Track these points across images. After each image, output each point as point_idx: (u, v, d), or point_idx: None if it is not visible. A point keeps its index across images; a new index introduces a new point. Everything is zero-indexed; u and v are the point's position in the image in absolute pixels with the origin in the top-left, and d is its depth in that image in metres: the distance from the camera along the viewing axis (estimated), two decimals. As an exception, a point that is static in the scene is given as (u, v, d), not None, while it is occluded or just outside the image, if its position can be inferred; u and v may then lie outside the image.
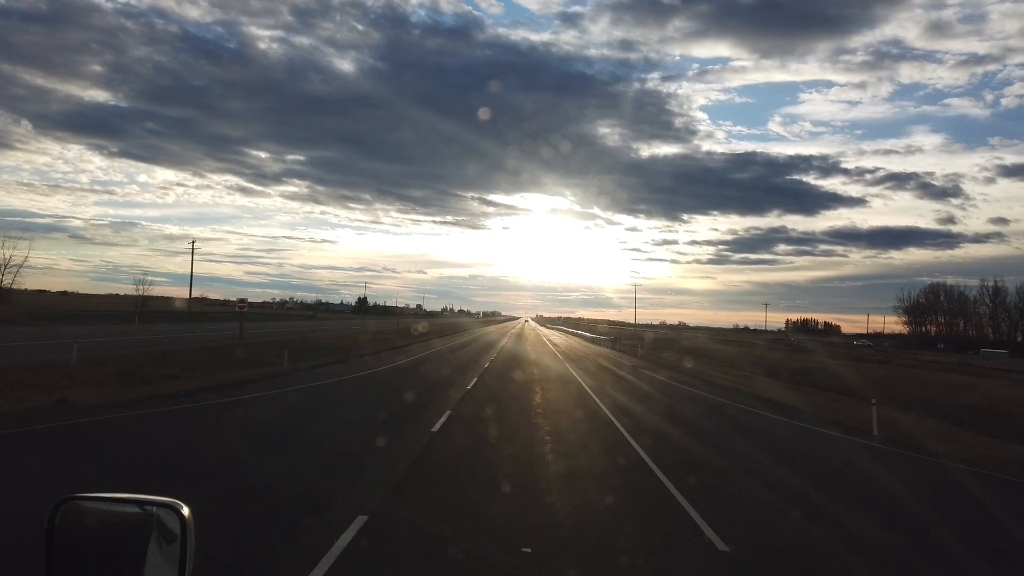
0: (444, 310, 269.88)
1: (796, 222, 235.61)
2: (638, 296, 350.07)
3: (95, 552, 1.86)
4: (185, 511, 1.84)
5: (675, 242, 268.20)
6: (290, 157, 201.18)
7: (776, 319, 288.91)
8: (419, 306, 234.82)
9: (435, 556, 6.43)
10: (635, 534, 7.53)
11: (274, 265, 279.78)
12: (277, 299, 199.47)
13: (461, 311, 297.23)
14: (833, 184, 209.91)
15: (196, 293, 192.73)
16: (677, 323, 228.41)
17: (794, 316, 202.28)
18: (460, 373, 26.82)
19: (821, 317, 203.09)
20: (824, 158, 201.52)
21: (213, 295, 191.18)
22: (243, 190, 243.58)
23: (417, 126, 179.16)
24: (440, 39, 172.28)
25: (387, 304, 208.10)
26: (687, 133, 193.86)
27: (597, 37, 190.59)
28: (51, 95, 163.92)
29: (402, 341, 49.46)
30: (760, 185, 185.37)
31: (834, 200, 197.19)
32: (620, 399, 21.25)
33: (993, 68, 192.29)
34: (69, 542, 1.84)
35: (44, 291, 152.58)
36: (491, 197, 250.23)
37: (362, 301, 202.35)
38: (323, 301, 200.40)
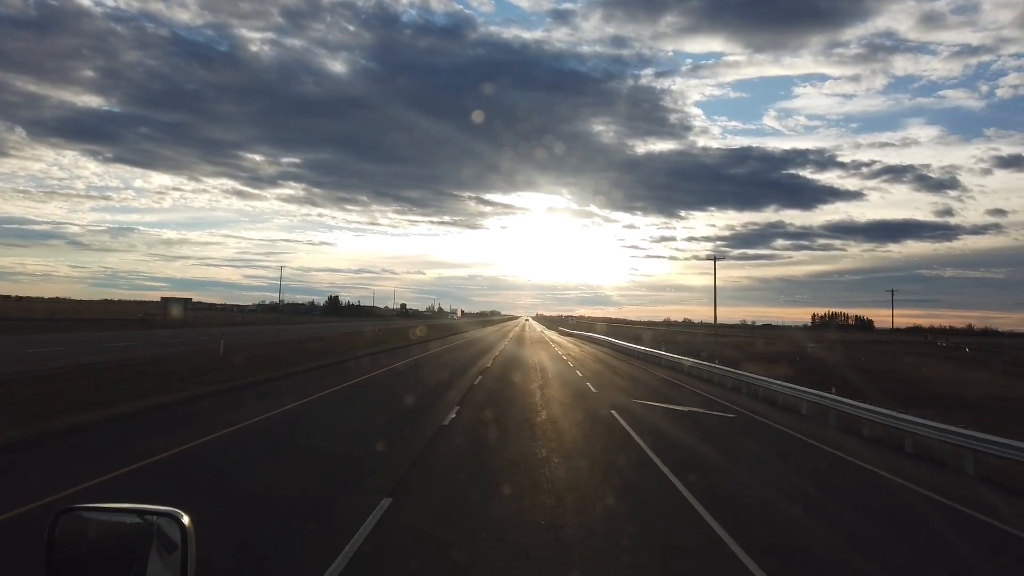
0: (428, 310, 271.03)
1: (793, 217, 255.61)
2: (636, 294, 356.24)
3: (96, 563, 2.02)
4: (185, 520, 2.00)
5: (673, 239, 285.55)
6: (285, 160, 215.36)
7: (774, 315, 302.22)
8: (403, 306, 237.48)
9: None
10: None
11: (273, 268, 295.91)
12: (266, 301, 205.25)
13: (457, 311, 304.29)
14: (830, 178, 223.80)
15: (192, 297, 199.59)
16: (682, 320, 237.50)
17: (820, 311, 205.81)
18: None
19: (852, 311, 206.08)
20: (820, 152, 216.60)
21: (211, 299, 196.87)
22: (239, 193, 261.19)
23: (411, 127, 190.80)
24: (432, 39, 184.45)
25: (362, 304, 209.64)
26: (682, 129, 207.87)
27: (589, 34, 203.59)
28: (44, 101, 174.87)
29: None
30: (756, 180, 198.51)
31: (831, 194, 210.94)
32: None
33: (987, 59, 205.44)
34: (69, 554, 1.99)
35: (40, 298, 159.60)
36: (488, 197, 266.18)
37: (333, 300, 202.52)
38: (307, 303, 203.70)
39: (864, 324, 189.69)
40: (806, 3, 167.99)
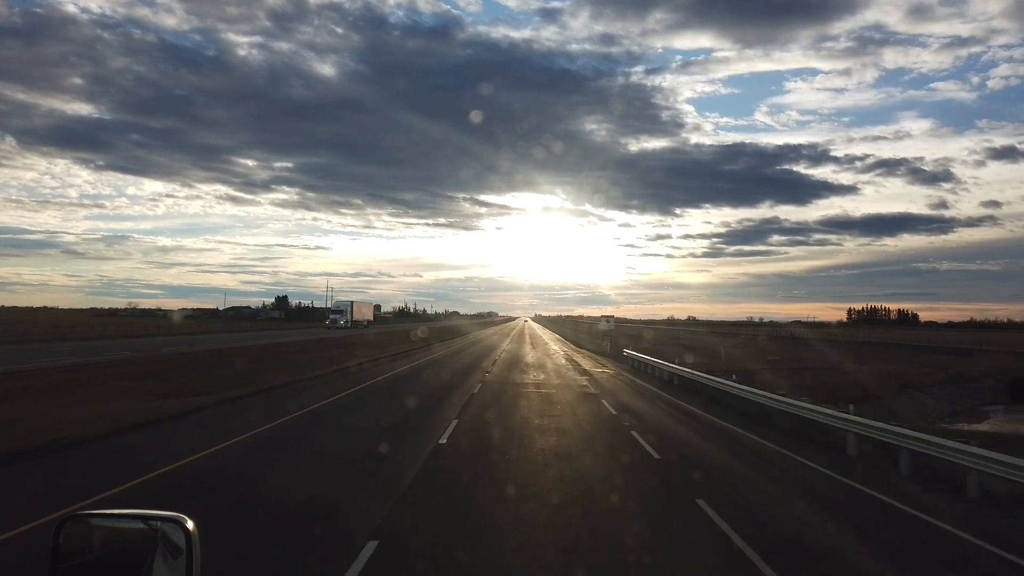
0: (405, 309, 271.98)
1: (789, 212, 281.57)
2: (633, 292, 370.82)
3: (101, 570, 2.23)
4: (190, 525, 2.21)
5: (669, 236, 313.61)
6: (278, 164, 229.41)
7: (772, 311, 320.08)
8: (378, 307, 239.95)
9: None
10: None
11: (269, 273, 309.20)
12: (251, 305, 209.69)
13: (454, 312, 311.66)
14: (824, 173, 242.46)
15: (190, 304, 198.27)
16: (686, 318, 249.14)
17: (857, 305, 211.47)
18: None
19: (893, 305, 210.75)
20: (813, 147, 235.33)
21: (208, 305, 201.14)
22: (233, 199, 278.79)
23: (403, 129, 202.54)
24: (420, 39, 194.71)
25: (315, 306, 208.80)
26: (674, 126, 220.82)
27: (578, 32, 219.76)
28: (33, 110, 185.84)
29: None
30: (751, 176, 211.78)
31: (825, 189, 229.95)
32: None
33: (978, 50, 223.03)
34: (75, 561, 2.20)
35: (28, 307, 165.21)
36: (483, 197, 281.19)
37: (281, 301, 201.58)
38: (255, 306, 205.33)
39: (907, 319, 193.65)
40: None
